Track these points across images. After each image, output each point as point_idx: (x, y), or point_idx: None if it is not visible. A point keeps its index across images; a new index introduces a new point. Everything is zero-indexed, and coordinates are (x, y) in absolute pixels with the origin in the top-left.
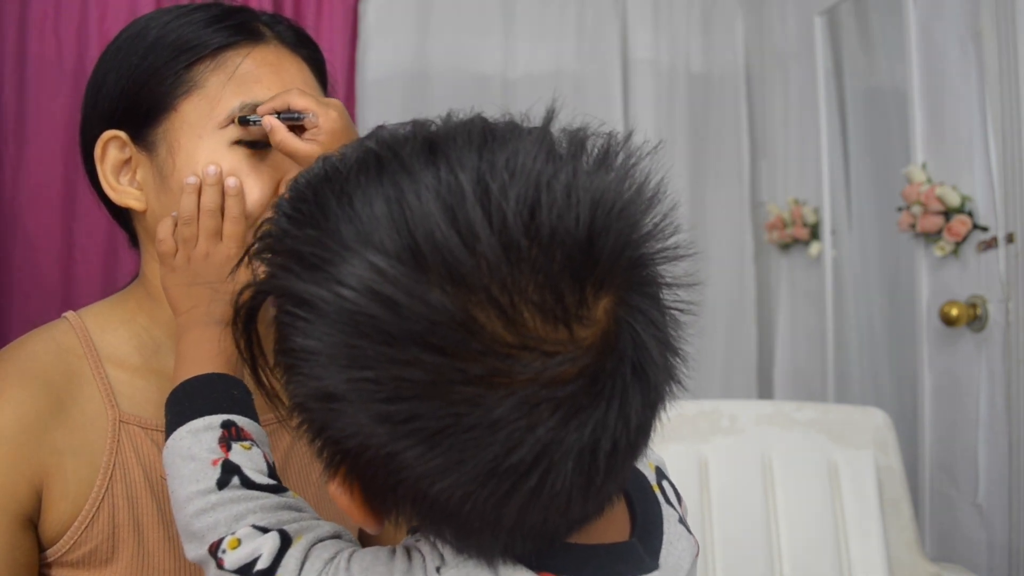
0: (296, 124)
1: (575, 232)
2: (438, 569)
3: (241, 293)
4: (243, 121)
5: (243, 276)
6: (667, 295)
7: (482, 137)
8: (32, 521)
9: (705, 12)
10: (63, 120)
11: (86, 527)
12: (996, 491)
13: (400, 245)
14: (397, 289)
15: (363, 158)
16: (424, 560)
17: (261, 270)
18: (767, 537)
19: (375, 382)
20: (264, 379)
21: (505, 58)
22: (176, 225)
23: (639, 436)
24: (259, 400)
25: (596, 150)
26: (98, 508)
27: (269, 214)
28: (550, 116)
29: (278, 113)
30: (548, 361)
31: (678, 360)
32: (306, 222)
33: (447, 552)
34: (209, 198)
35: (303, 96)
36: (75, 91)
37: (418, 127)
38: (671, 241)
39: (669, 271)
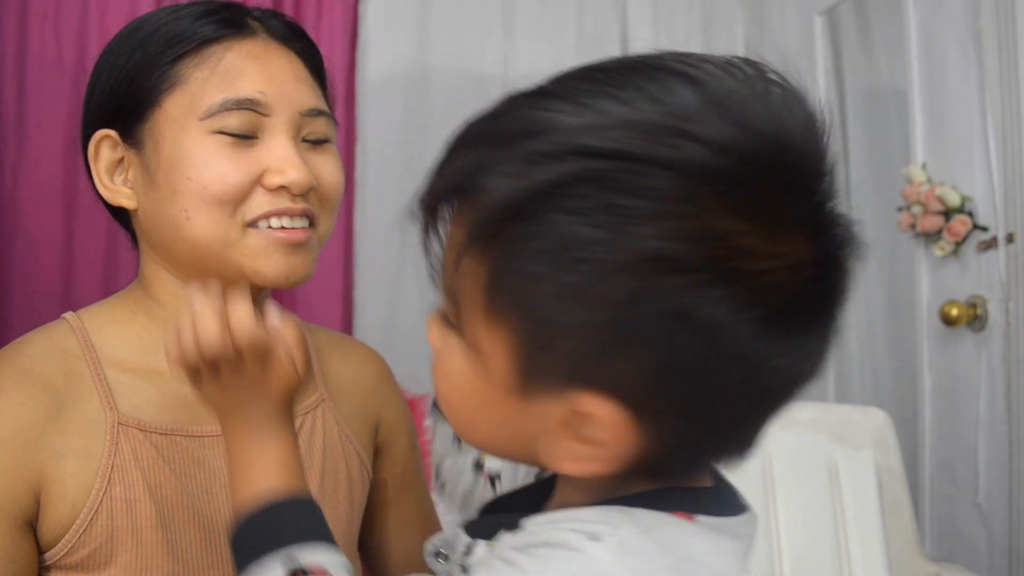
0: None
1: (817, 148)
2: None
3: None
4: None
5: (282, 371)
6: None
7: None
8: (31, 523)
9: (705, 12)
10: (63, 120)
11: (84, 530)
12: (996, 491)
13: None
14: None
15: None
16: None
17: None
18: (767, 537)
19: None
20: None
21: (505, 58)
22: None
23: (813, 372)
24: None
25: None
26: (96, 511)
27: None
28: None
29: None
30: (773, 263)
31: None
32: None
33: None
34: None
35: None
36: (75, 91)
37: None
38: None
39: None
